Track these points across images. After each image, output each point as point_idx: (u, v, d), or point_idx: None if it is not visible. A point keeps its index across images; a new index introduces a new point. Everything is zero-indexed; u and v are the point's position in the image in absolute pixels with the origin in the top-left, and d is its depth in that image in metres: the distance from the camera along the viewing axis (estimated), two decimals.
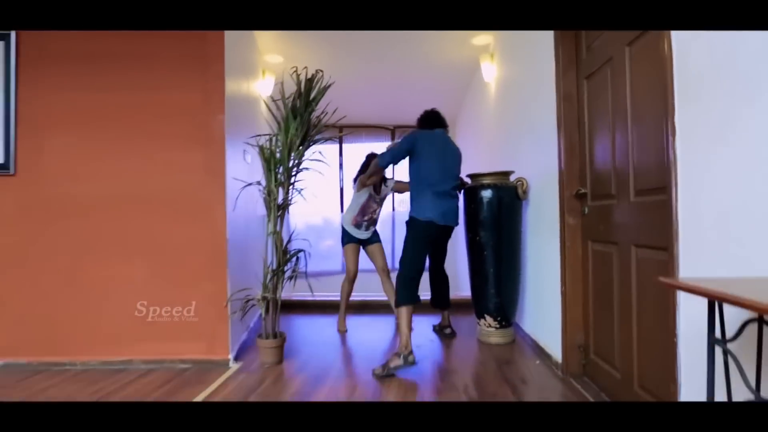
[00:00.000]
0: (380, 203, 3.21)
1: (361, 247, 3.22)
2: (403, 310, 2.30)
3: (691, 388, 1.20)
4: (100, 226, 2.42)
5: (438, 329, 3.01)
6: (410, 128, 6.70)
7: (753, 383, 0.77)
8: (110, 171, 2.43)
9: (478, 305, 2.74)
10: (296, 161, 2.32)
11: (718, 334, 0.82)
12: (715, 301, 0.81)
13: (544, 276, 2.43)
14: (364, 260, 3.29)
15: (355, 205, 3.12)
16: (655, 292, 1.46)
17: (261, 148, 2.30)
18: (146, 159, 2.43)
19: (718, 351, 0.84)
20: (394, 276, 2.63)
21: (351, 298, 3.57)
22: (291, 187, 2.36)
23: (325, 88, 2.39)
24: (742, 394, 0.80)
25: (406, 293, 2.32)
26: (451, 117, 6.08)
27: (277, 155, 2.32)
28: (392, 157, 2.47)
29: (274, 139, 2.39)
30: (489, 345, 2.67)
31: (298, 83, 2.38)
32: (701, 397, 1.14)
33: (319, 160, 2.46)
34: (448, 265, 4.94)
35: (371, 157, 3.16)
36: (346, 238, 3.15)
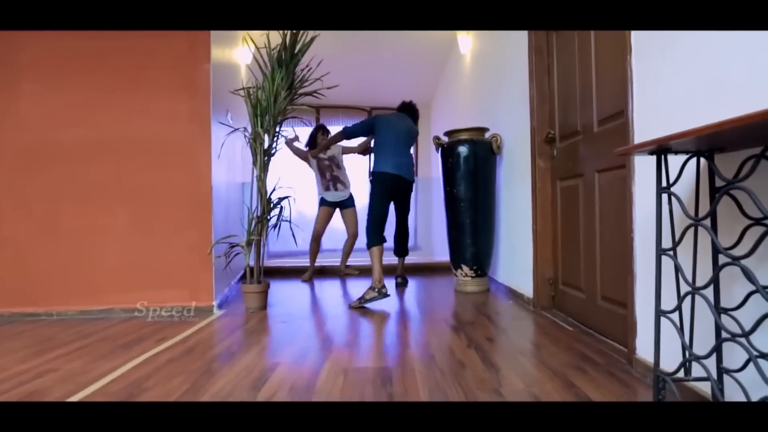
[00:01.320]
0: (334, 162, 3.57)
1: (338, 210, 3.62)
2: (375, 250, 2.61)
3: (645, 275, 1.36)
4: (80, 175, 2.39)
5: (399, 280, 3.27)
6: (387, 109, 6.81)
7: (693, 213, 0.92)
8: (91, 118, 2.40)
9: (455, 256, 2.88)
10: (281, 108, 2.38)
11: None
12: (661, 154, 0.96)
13: (517, 221, 2.60)
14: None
15: (315, 173, 3.56)
16: (616, 207, 1.63)
17: (248, 93, 2.34)
18: (129, 106, 2.42)
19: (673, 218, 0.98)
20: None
21: (326, 264, 3.75)
22: (276, 134, 2.42)
23: (311, 41, 2.46)
24: (683, 223, 0.95)
25: (375, 236, 2.65)
26: (429, 93, 6.28)
27: (263, 103, 2.37)
28: (353, 130, 2.96)
29: (260, 89, 2.43)
30: (465, 293, 2.81)
31: (284, 35, 2.44)
32: (650, 273, 1.30)
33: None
34: (422, 235, 5.08)
35: (319, 129, 3.62)
36: (322, 202, 3.57)
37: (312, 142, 3.60)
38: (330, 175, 3.55)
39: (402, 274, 3.28)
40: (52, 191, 2.38)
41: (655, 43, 1.28)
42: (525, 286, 2.44)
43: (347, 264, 3.74)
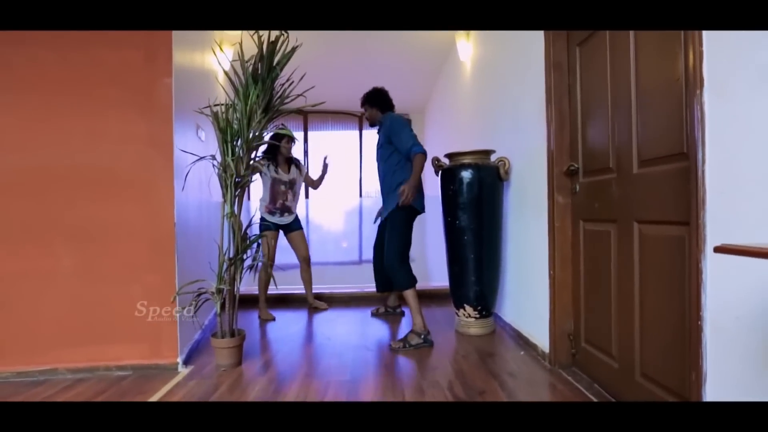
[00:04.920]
0: (290, 188, 3.07)
1: (281, 234, 3.14)
2: (410, 293, 2.36)
3: (719, 377, 1.05)
4: (12, 210, 2.00)
5: (385, 311, 3.07)
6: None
7: None
8: (26, 143, 2.01)
9: (456, 295, 2.56)
10: (257, 132, 2.02)
11: None
12: None
13: (528, 261, 2.29)
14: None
15: (264, 191, 3.02)
16: (665, 272, 1.32)
17: (215, 115, 1.97)
18: (72, 128, 2.03)
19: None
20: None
21: (318, 291, 3.43)
22: (251, 162, 2.06)
23: (293, 50, 2.10)
24: None
25: (410, 276, 2.41)
26: (423, 99, 5.94)
27: (235, 126, 2.01)
28: (417, 138, 2.43)
29: (231, 109, 2.07)
30: (468, 336, 2.50)
31: (260, 45, 2.07)
32: (731, 384, 1.00)
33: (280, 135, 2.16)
34: (419, 257, 4.79)
35: (278, 137, 2.99)
36: (263, 225, 3.02)
37: (272, 148, 2.96)
38: (281, 204, 3.02)
39: (400, 304, 3.06)
40: None
41: (744, 78, 0.96)
42: (539, 336, 2.13)
43: (314, 296, 3.35)
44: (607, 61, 1.64)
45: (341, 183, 6.28)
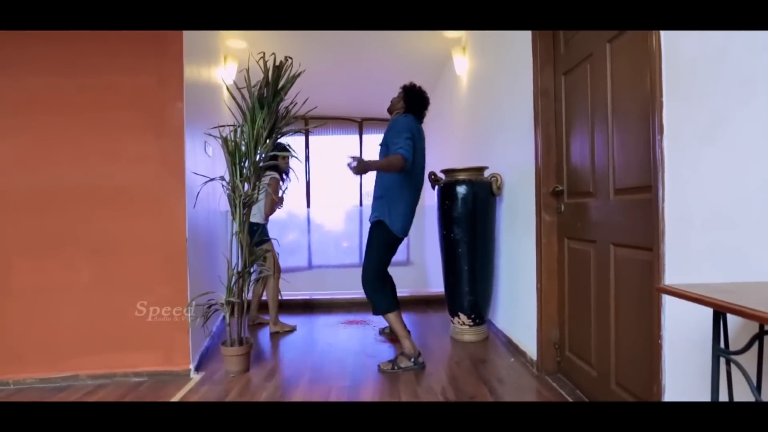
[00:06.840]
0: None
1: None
2: (392, 317, 2.26)
3: (675, 390, 1.19)
4: (33, 226, 2.14)
5: (387, 331, 2.83)
6: (378, 120, 6.54)
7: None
8: (46, 163, 2.15)
9: (451, 303, 2.70)
10: (263, 154, 2.15)
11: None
12: (721, 312, 0.78)
13: (518, 272, 2.43)
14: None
15: (266, 201, 2.86)
16: (635, 292, 1.46)
17: (225, 140, 2.11)
18: (89, 149, 2.17)
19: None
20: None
21: (317, 297, 3.53)
22: (258, 182, 2.19)
23: (295, 77, 2.23)
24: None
25: (387, 301, 2.29)
26: None
27: (242, 148, 2.14)
28: (411, 148, 2.14)
29: (238, 130, 2.20)
30: (463, 343, 2.64)
31: (266, 70, 2.20)
32: (684, 396, 1.14)
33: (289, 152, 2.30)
34: (418, 261, 4.90)
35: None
36: (267, 233, 2.94)
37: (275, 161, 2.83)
38: (281, 199, 3.04)
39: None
40: (2, 245, 2.13)
41: (694, 129, 1.10)
42: (528, 343, 2.27)
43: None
44: (588, 93, 1.77)
45: (341, 187, 6.42)
